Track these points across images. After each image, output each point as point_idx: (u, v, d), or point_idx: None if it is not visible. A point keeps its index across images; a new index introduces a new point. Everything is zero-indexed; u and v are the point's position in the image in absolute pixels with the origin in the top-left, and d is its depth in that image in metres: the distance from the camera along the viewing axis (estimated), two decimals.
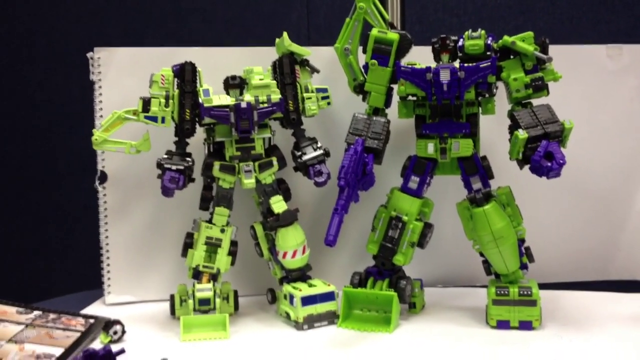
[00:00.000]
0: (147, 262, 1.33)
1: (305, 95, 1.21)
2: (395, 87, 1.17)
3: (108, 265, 1.32)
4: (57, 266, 2.00)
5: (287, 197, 1.23)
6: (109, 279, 1.32)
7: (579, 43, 1.37)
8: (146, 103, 1.17)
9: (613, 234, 1.39)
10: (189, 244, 1.20)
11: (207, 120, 1.17)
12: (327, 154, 1.21)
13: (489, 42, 1.12)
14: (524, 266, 1.15)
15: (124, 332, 1.10)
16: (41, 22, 1.95)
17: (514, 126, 1.12)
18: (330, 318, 1.17)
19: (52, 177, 1.98)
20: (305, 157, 1.20)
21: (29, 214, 2.00)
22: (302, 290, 1.16)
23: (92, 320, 1.08)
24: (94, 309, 1.29)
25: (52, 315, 1.08)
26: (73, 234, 1.97)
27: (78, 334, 1.05)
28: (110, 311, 1.26)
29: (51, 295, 1.40)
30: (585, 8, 1.84)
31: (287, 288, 1.18)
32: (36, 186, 1.99)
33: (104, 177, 1.31)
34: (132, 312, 1.26)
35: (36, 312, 1.08)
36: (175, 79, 1.18)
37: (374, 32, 1.17)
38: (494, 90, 1.14)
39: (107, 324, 1.08)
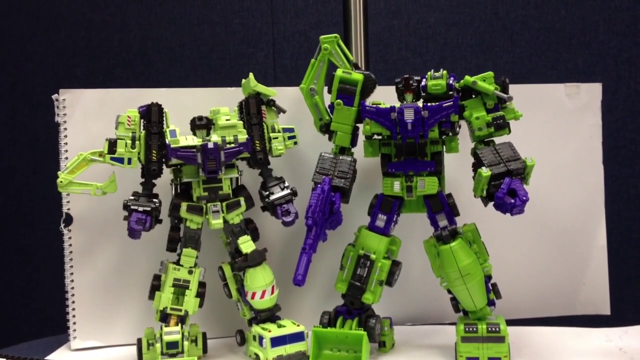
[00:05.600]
0: (113, 306, 1.31)
1: (271, 135, 1.22)
2: (360, 126, 1.19)
3: (73, 309, 1.30)
4: (21, 311, 1.96)
5: (255, 237, 1.23)
6: (74, 323, 1.30)
7: (538, 82, 1.41)
8: (112, 144, 1.17)
9: (577, 270, 1.41)
10: (156, 286, 1.19)
11: (174, 161, 1.17)
12: (294, 193, 1.21)
13: (450, 81, 1.15)
14: (491, 302, 1.16)
15: None
16: (6, 62, 1.94)
17: (477, 164, 1.14)
18: (300, 359, 1.16)
19: (17, 220, 1.95)
20: (272, 197, 1.20)
21: None
22: (272, 331, 1.16)
23: None
24: (60, 355, 1.26)
25: None
26: (38, 277, 1.94)
27: None
28: (76, 357, 1.24)
29: (15, 341, 1.37)
30: (543, 47, 1.90)
31: (257, 329, 1.18)
32: (0, 228, 1.96)
33: (69, 220, 1.30)
34: (98, 358, 1.24)
35: None
36: (142, 120, 1.18)
37: (339, 72, 1.18)
38: (457, 129, 1.16)
39: None
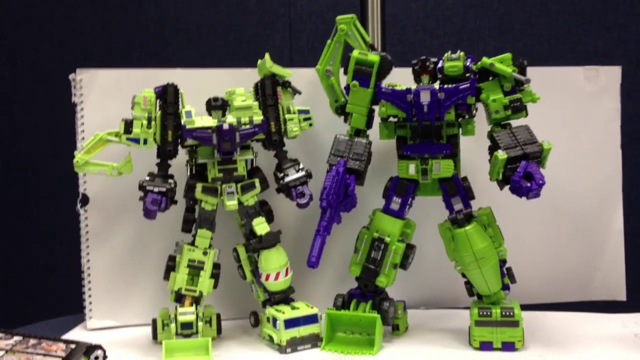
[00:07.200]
0: (129, 286, 1.32)
1: (287, 116, 1.22)
2: (376, 108, 1.18)
3: (89, 289, 1.31)
4: (38, 291, 1.98)
5: (269, 219, 1.23)
6: (90, 303, 1.31)
7: (557, 64, 1.39)
8: (128, 125, 1.17)
9: (593, 255, 1.40)
10: (171, 267, 1.19)
11: (189, 141, 1.17)
12: (309, 175, 1.21)
13: (468, 63, 1.13)
14: (505, 287, 1.15)
15: (105, 357, 1.08)
16: (24, 43, 1.95)
17: (493, 147, 1.13)
18: (314, 341, 1.16)
19: (33, 200, 1.96)
20: (287, 179, 1.20)
21: (9, 237, 1.98)
22: (285, 312, 1.16)
23: (73, 346, 1.06)
24: (75, 334, 1.28)
25: (32, 341, 1.07)
26: (54, 257, 1.96)
27: None
28: (91, 336, 1.25)
29: (32, 321, 1.39)
30: (563, 30, 1.87)
31: (270, 311, 1.18)
32: (17, 209, 1.98)
33: (85, 200, 1.30)
34: (113, 337, 1.25)
35: (16, 338, 1.07)
36: (158, 101, 1.18)
37: (355, 53, 1.18)
38: (474, 112, 1.15)
39: (88, 349, 1.07)
